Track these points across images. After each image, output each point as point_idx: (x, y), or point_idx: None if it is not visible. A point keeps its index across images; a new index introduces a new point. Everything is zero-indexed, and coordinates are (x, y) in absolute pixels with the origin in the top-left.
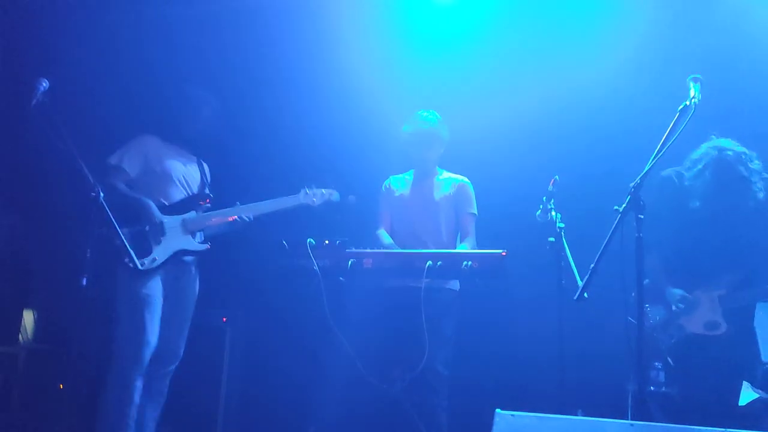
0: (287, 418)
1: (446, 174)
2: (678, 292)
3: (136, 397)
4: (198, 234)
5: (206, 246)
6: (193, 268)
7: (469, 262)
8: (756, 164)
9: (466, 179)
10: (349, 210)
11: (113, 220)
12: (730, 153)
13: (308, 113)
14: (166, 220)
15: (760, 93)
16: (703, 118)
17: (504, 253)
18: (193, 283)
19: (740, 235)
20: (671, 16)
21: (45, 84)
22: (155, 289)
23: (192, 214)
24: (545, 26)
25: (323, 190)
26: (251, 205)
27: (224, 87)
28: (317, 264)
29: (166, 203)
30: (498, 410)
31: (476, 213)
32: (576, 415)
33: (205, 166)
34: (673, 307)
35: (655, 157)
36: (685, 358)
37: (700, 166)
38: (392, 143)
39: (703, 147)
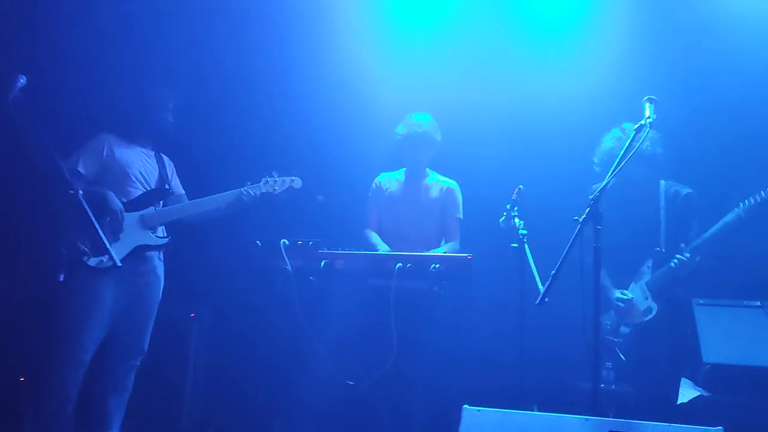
0: (252, 414)
1: (437, 176)
2: (617, 292)
3: (72, 393)
4: (160, 229)
5: (166, 240)
6: (157, 263)
7: (437, 265)
8: (628, 126)
9: (454, 183)
10: (318, 210)
11: (92, 217)
12: (606, 138)
13: (282, 107)
14: (126, 216)
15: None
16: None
17: (469, 257)
18: (156, 278)
19: (641, 215)
20: (648, 21)
21: (22, 80)
22: (107, 286)
23: (150, 209)
24: (521, 39)
25: (285, 178)
26: (207, 198)
27: (192, 80)
28: (290, 264)
29: (125, 200)
30: (465, 406)
31: (461, 217)
32: (532, 410)
33: (167, 160)
34: (620, 304)
35: (612, 173)
36: (633, 350)
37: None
38: (371, 141)
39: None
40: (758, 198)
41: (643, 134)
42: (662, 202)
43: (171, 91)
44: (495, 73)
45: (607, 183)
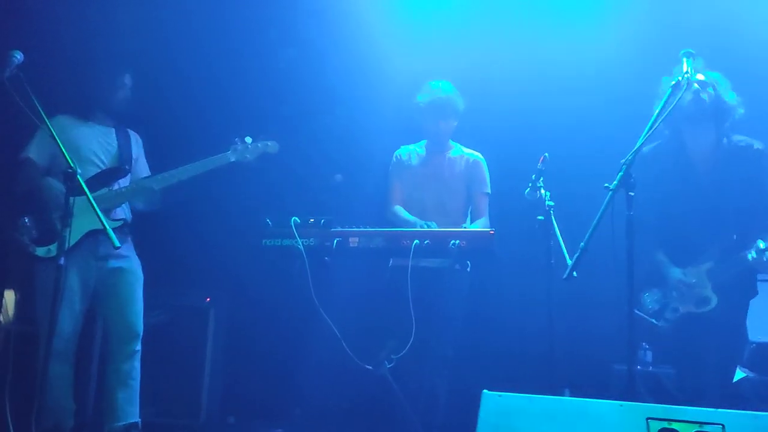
0: (273, 399)
1: (460, 149)
2: (679, 272)
3: (60, 384)
4: (120, 210)
5: (120, 222)
6: (123, 245)
7: (457, 241)
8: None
9: (480, 156)
10: (336, 189)
11: (91, 198)
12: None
13: (289, 84)
14: (77, 200)
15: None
16: None
17: (492, 232)
18: (125, 259)
19: (712, 185)
20: None
21: (19, 56)
22: (68, 275)
23: (104, 191)
24: (541, 6)
25: (257, 144)
26: (173, 171)
27: (168, 54)
28: (302, 243)
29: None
30: (485, 391)
31: (489, 192)
32: (563, 394)
33: (135, 137)
34: (681, 286)
35: (646, 134)
36: (675, 340)
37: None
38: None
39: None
40: None
41: (680, 92)
42: (717, 164)
43: (126, 66)
44: (515, 40)
45: (641, 145)
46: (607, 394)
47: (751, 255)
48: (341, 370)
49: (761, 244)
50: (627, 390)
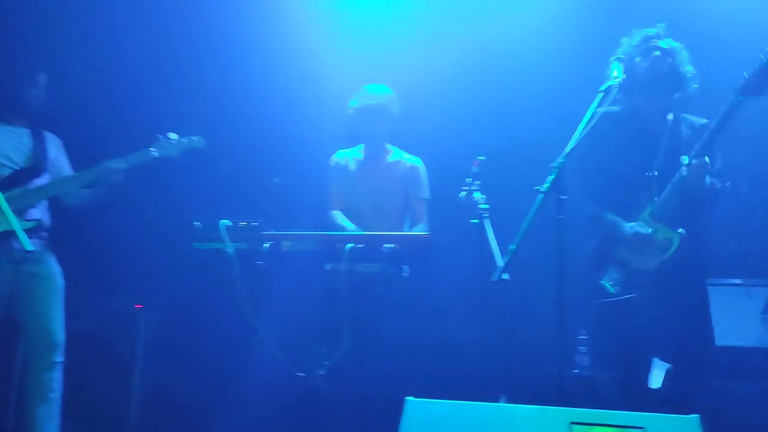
0: (205, 409)
1: (399, 153)
2: (631, 226)
3: None
4: (35, 210)
5: (33, 223)
6: (40, 249)
7: (391, 245)
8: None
9: (418, 160)
10: (272, 192)
11: (1, 197)
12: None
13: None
14: None
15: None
16: None
17: (427, 236)
18: (43, 264)
19: (641, 143)
20: None
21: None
22: None
23: (16, 191)
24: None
25: (182, 139)
26: (92, 168)
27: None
28: (233, 247)
29: None
30: (408, 398)
31: (428, 197)
32: (499, 401)
33: (51, 138)
34: (632, 255)
35: (577, 137)
36: (642, 316)
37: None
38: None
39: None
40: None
41: (611, 96)
42: (665, 130)
43: (40, 64)
44: (454, 43)
45: (572, 149)
46: (546, 399)
47: (682, 172)
48: (274, 377)
49: (685, 160)
50: (562, 395)
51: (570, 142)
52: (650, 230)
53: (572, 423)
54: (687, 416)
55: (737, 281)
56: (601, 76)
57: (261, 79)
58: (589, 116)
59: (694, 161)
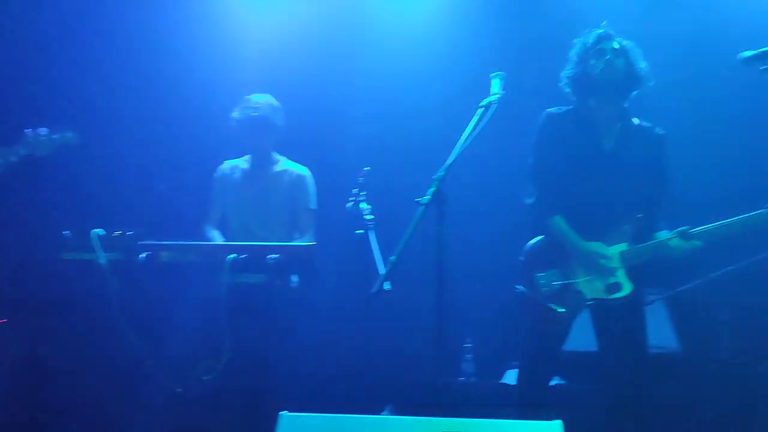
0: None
1: (285, 163)
2: (592, 247)
3: None
4: None
5: None
6: None
7: (276, 255)
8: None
9: (306, 170)
10: (160, 200)
11: None
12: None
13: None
14: None
15: None
16: None
17: (313, 246)
18: None
19: (625, 173)
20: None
21: None
22: None
23: None
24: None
25: (54, 136)
26: None
27: None
28: (105, 257)
29: None
30: (282, 412)
31: (315, 207)
32: (383, 412)
33: None
34: (580, 273)
35: (458, 150)
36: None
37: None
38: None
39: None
40: None
41: (490, 112)
42: (616, 134)
43: None
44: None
45: (452, 162)
46: (431, 409)
47: (675, 241)
48: (150, 394)
49: (671, 239)
50: (448, 403)
51: (451, 155)
52: (614, 266)
53: None
54: (550, 422)
55: None
56: (486, 90)
57: (151, 77)
58: (469, 131)
59: (687, 244)
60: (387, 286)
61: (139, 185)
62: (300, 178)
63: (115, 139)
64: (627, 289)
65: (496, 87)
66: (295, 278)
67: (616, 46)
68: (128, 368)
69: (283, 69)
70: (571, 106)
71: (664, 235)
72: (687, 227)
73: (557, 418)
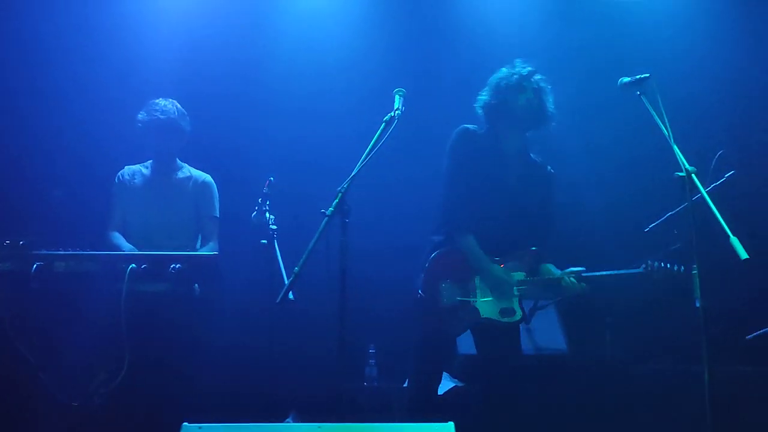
0: None
1: (189, 170)
2: (500, 272)
3: None
4: None
5: None
6: None
7: (178, 265)
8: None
9: (209, 177)
10: (56, 206)
11: None
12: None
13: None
14: None
15: None
16: None
17: (214, 255)
18: None
19: (524, 203)
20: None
21: None
22: None
23: None
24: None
25: None
26: None
27: None
28: None
29: None
30: (184, 424)
31: (218, 215)
32: (287, 420)
33: None
34: (479, 293)
35: (361, 163)
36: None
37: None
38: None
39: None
40: (674, 268)
41: (392, 126)
42: (517, 158)
43: None
44: (249, 65)
45: (356, 174)
46: (336, 414)
47: (566, 280)
48: (45, 409)
49: (552, 267)
50: (351, 408)
51: (355, 167)
52: (514, 293)
53: None
54: (443, 424)
55: None
56: (389, 104)
57: (48, 79)
58: (372, 144)
59: (577, 285)
60: (291, 296)
61: (33, 191)
62: (205, 185)
63: (6, 143)
64: (518, 315)
65: (398, 103)
66: (197, 287)
67: (537, 86)
68: (20, 382)
69: (188, 76)
70: (483, 129)
71: (553, 269)
72: (581, 269)
73: (450, 420)
